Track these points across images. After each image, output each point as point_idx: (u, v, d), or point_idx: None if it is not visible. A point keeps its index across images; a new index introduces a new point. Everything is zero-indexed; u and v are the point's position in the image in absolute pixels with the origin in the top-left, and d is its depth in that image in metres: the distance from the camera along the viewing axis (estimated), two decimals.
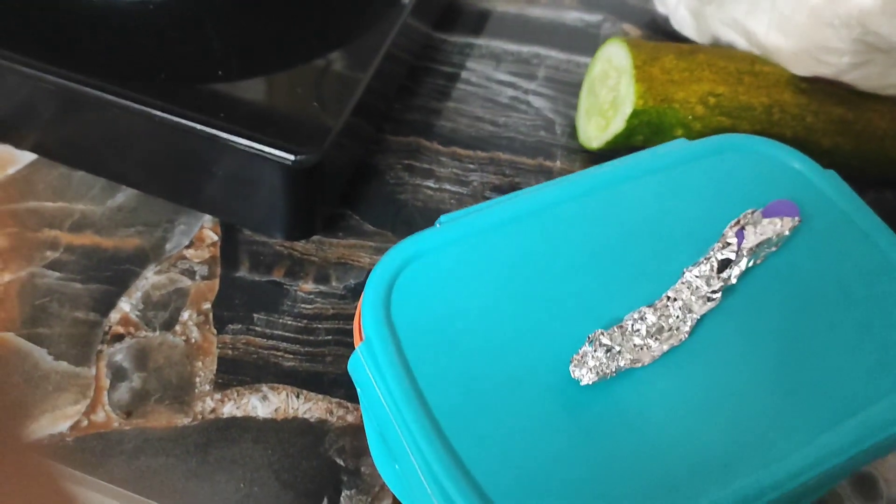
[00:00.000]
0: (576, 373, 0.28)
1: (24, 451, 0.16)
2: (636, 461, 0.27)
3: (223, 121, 0.33)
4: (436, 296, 0.31)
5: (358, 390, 0.30)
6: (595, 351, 0.29)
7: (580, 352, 0.29)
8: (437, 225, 0.33)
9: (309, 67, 0.37)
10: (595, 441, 0.27)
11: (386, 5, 0.41)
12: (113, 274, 0.38)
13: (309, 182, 0.34)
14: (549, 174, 0.45)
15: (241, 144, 0.33)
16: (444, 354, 0.29)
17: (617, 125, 0.42)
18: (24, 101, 0.37)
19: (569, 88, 0.49)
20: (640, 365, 0.29)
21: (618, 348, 0.29)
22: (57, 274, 0.37)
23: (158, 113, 0.33)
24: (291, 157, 0.32)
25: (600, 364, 0.28)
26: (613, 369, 0.29)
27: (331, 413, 0.35)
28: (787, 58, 0.41)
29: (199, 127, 0.33)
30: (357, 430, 0.34)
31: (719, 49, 0.44)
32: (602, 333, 0.29)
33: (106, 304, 0.37)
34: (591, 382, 0.28)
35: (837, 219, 0.36)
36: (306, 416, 0.34)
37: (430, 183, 0.43)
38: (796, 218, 0.35)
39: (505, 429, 0.27)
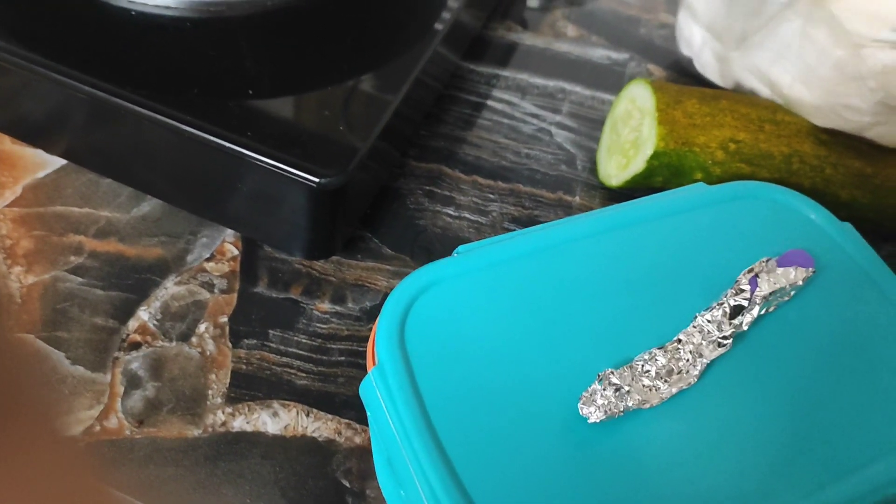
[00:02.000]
0: (584, 410, 0.29)
1: (62, 445, 0.16)
2: (638, 501, 0.27)
3: (250, 139, 0.34)
4: (450, 325, 0.31)
5: (368, 414, 0.31)
6: (604, 389, 0.29)
7: (589, 389, 0.29)
8: (455, 254, 0.34)
9: (338, 90, 0.37)
10: (600, 479, 0.28)
11: (418, 33, 0.42)
12: (134, 282, 0.38)
13: (332, 204, 0.35)
14: (568, 208, 0.45)
15: (266, 163, 0.33)
16: (455, 384, 0.29)
17: (637, 165, 0.43)
18: (57, 108, 0.38)
19: (592, 124, 0.50)
20: (648, 406, 0.29)
21: (627, 388, 0.29)
22: (79, 279, 0.38)
23: (187, 128, 0.34)
24: (316, 179, 0.33)
25: (608, 403, 0.29)
26: (621, 409, 0.29)
27: (339, 434, 0.35)
28: (808, 110, 0.41)
29: (226, 144, 0.34)
30: (364, 453, 0.35)
31: (742, 96, 0.45)
32: (612, 372, 0.30)
33: (125, 312, 0.37)
34: (598, 420, 0.29)
35: (852, 271, 0.37)
36: (315, 434, 0.35)
37: (450, 210, 0.44)
38: (810, 269, 0.35)
39: (511, 461, 0.28)
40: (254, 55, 0.38)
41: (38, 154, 0.42)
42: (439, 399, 0.29)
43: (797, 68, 0.40)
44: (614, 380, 0.29)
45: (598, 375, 0.30)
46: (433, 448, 0.28)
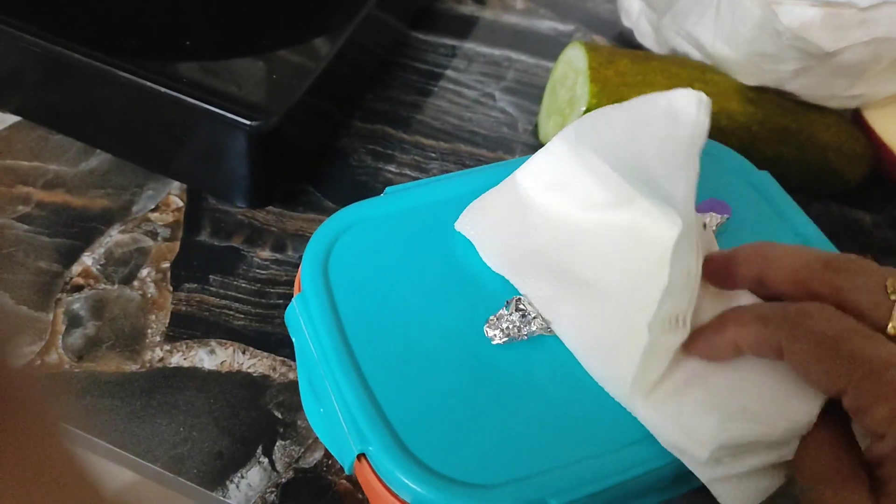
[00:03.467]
0: (488, 332, 0.30)
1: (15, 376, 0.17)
2: (530, 417, 0.29)
3: (187, 86, 0.35)
4: (373, 258, 0.33)
5: (293, 340, 0.32)
6: (510, 314, 0.31)
7: (497, 314, 0.31)
8: (384, 195, 0.35)
9: (275, 44, 0.39)
10: (496, 395, 0.29)
11: None
12: (79, 230, 0.40)
13: (266, 148, 0.36)
14: None
15: (203, 108, 0.35)
16: (374, 310, 0.31)
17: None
18: (8, 64, 0.40)
19: (534, 91, 0.51)
20: (549, 332, 0.31)
21: (533, 315, 0.31)
22: (25, 226, 0.39)
23: (129, 76, 0.35)
24: (248, 122, 0.34)
25: (513, 326, 0.30)
26: (525, 333, 0.30)
27: (274, 370, 0.36)
28: (732, 67, 0.43)
29: (165, 90, 0.35)
30: (297, 388, 0.36)
31: (673, 57, 0.46)
32: (519, 299, 0.31)
33: (69, 257, 0.39)
34: (501, 342, 0.30)
35: (768, 217, 0.38)
36: (250, 370, 0.36)
37: (392, 167, 0.45)
38: (725, 215, 0.37)
39: (421, 378, 0.29)
40: (195, 10, 0.40)
41: None
42: (358, 323, 0.30)
43: (719, 27, 0.42)
44: (521, 305, 0.31)
45: (507, 301, 0.31)
46: (349, 366, 0.29)
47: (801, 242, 0.37)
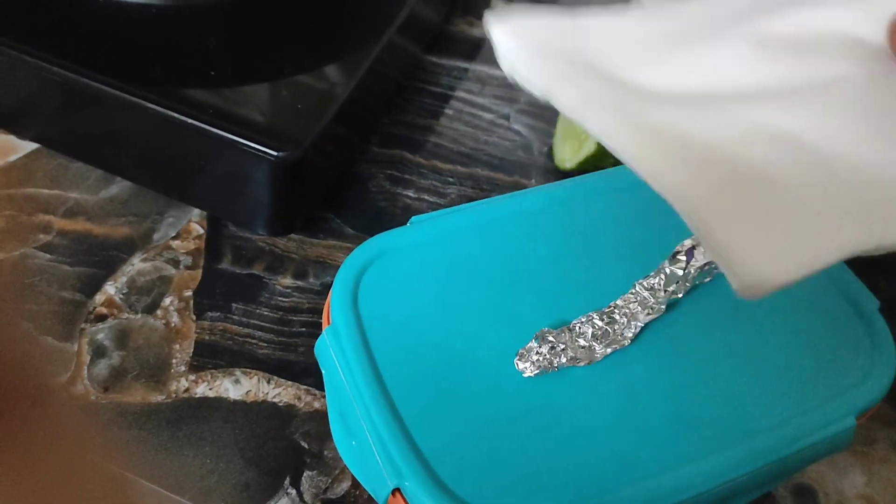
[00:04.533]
0: (519, 365, 0.30)
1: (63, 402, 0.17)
2: (563, 449, 0.29)
3: (212, 116, 0.35)
4: (401, 288, 0.33)
5: (323, 372, 0.32)
6: (540, 347, 0.31)
7: (526, 346, 0.31)
8: (410, 224, 0.36)
9: (298, 74, 0.39)
10: (530, 427, 0.29)
11: (374, 23, 0.43)
12: (101, 259, 0.40)
13: (290, 178, 0.37)
14: None
15: (228, 139, 0.35)
16: (405, 342, 0.31)
17: (589, 147, 0.45)
18: (28, 92, 0.40)
19: (548, 113, 0.51)
20: (580, 364, 0.31)
21: (562, 346, 0.31)
22: (48, 256, 0.39)
23: (153, 106, 0.36)
24: (274, 153, 0.35)
25: (542, 359, 0.30)
26: (555, 365, 0.31)
27: (299, 399, 0.36)
28: None
29: (190, 121, 0.35)
30: (323, 417, 0.36)
31: None
32: (548, 332, 0.31)
33: (92, 287, 0.39)
34: (532, 375, 0.30)
35: None
36: (275, 400, 0.36)
37: (410, 193, 0.45)
38: None
39: (454, 411, 0.29)
40: (217, 40, 0.40)
41: (8, 139, 0.43)
42: (389, 355, 0.30)
43: None
44: (550, 338, 0.31)
45: (536, 334, 0.31)
46: (381, 399, 0.29)
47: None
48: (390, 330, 0.31)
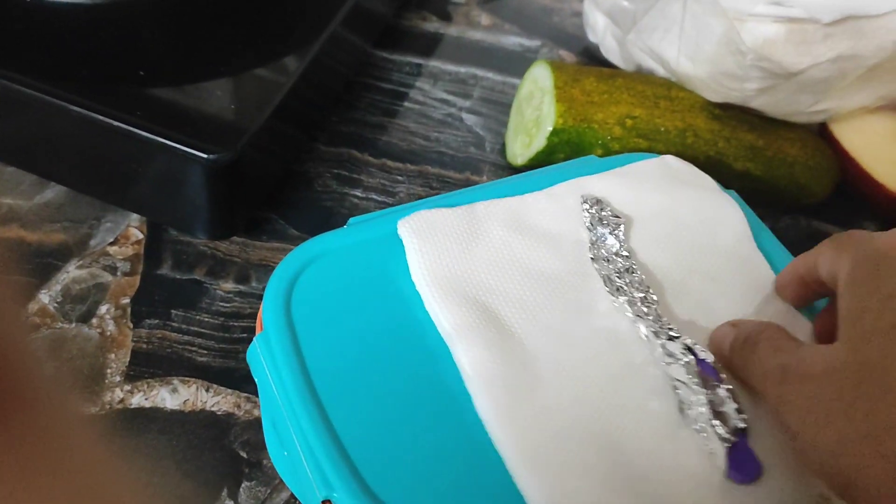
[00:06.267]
0: None
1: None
2: (496, 460, 0.28)
3: (142, 119, 0.34)
4: (336, 293, 0.32)
5: (256, 380, 0.31)
6: None
7: None
8: (347, 226, 0.35)
9: (234, 72, 0.38)
10: (463, 439, 0.28)
11: (315, 18, 0.42)
12: (34, 267, 0.38)
13: (226, 181, 0.36)
14: None
15: (159, 142, 0.34)
16: (338, 349, 0.30)
17: (539, 143, 0.44)
18: None
19: (501, 108, 0.51)
20: None
21: None
22: None
23: (81, 110, 0.34)
24: (205, 156, 0.34)
25: None
26: None
27: (238, 407, 0.36)
28: (696, 84, 0.43)
29: (119, 124, 0.34)
30: (262, 426, 0.35)
31: (638, 74, 0.46)
32: None
33: (25, 296, 0.37)
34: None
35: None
36: (214, 409, 0.35)
37: (358, 192, 0.44)
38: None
39: (387, 421, 0.28)
40: (149, 39, 0.39)
41: None
42: (321, 363, 0.29)
43: (682, 44, 0.42)
44: None
45: None
46: (312, 408, 0.28)
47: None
48: (324, 337, 0.30)
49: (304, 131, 0.45)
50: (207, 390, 0.36)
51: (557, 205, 0.36)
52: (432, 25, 0.56)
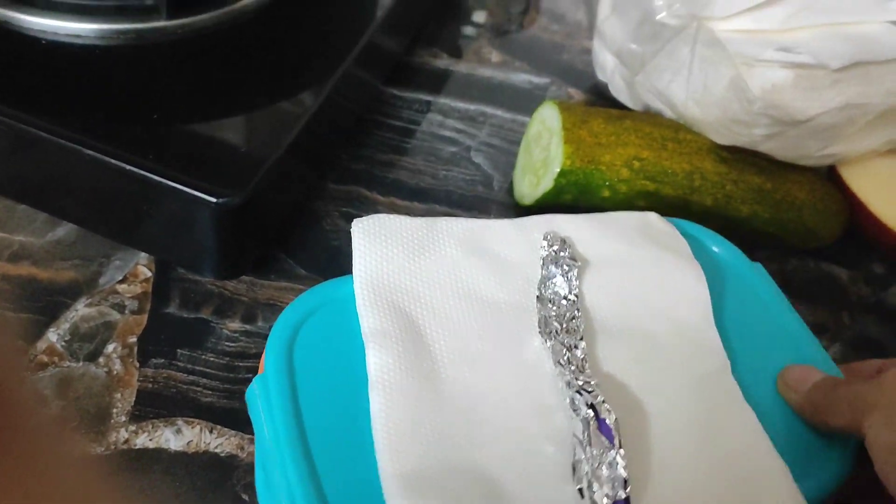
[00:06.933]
0: None
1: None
2: None
3: (152, 161, 0.35)
4: (338, 343, 0.32)
5: (251, 420, 0.31)
6: None
7: None
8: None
9: (244, 114, 0.38)
10: None
11: (328, 57, 0.43)
12: (44, 304, 0.39)
13: (235, 223, 0.36)
14: None
15: (167, 185, 0.34)
16: (334, 400, 0.30)
17: (546, 183, 0.44)
18: None
19: (510, 146, 0.51)
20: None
21: None
22: None
23: (92, 152, 0.35)
24: (214, 199, 0.34)
25: None
26: None
27: (241, 449, 0.36)
28: (704, 127, 0.43)
29: (128, 167, 0.35)
30: None
31: (647, 115, 0.46)
32: None
33: (34, 334, 0.38)
34: None
35: (761, 315, 0.36)
36: (217, 450, 0.35)
37: None
38: None
39: (375, 479, 0.28)
40: (162, 80, 0.39)
41: None
42: (316, 413, 0.29)
43: (690, 88, 0.42)
44: None
45: None
46: (301, 457, 0.28)
47: (787, 338, 0.36)
48: (322, 387, 0.30)
49: (315, 169, 0.45)
50: (211, 431, 0.36)
51: (521, 236, 0.36)
52: (443, 62, 0.56)
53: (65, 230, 0.41)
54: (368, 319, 0.32)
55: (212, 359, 0.38)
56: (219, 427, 0.36)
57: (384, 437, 0.28)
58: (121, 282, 0.40)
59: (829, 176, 0.46)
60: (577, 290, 0.34)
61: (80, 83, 0.38)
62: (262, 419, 0.29)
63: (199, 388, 0.37)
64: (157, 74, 0.39)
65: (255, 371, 0.38)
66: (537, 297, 0.34)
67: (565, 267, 0.34)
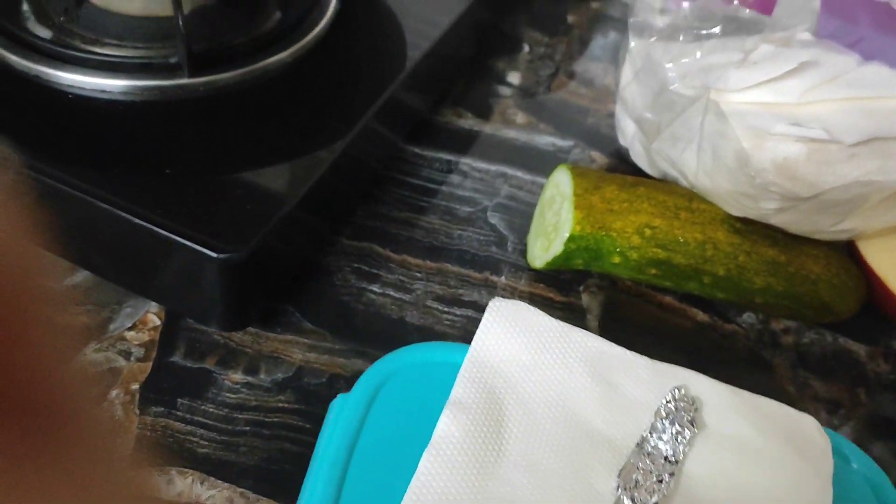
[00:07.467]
0: None
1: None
2: None
3: (160, 215, 0.36)
4: (416, 406, 0.33)
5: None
6: None
7: None
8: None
9: (257, 168, 0.39)
10: None
11: (348, 111, 0.44)
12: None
13: (238, 278, 0.37)
14: (493, 289, 0.46)
15: (172, 239, 0.35)
16: (382, 460, 0.32)
17: (556, 248, 0.44)
18: None
19: (527, 208, 0.51)
20: None
21: None
22: None
23: (103, 204, 0.36)
24: (214, 255, 0.35)
25: None
26: None
27: (232, 502, 0.36)
28: (716, 198, 0.43)
29: (136, 220, 0.36)
30: None
31: (661, 183, 0.46)
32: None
33: None
34: None
35: None
36: (207, 502, 0.36)
37: (375, 287, 0.45)
38: None
39: None
40: (179, 135, 0.40)
41: None
42: (364, 464, 0.31)
43: (700, 158, 0.42)
44: None
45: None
46: (334, 483, 0.30)
47: None
48: (380, 443, 0.32)
49: (328, 225, 0.46)
50: (202, 483, 0.36)
51: (652, 378, 0.34)
52: (467, 122, 0.57)
53: (82, 276, 0.43)
54: (459, 389, 0.32)
55: (211, 409, 0.39)
56: (211, 479, 0.36)
57: (412, 500, 0.29)
58: (130, 329, 0.41)
59: (848, 250, 0.45)
60: (681, 457, 0.32)
61: (100, 136, 0.40)
62: (324, 427, 0.32)
63: (195, 439, 0.38)
64: (175, 129, 0.41)
65: (252, 423, 0.38)
66: (637, 443, 0.32)
67: (680, 428, 0.32)
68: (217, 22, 0.45)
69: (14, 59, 0.41)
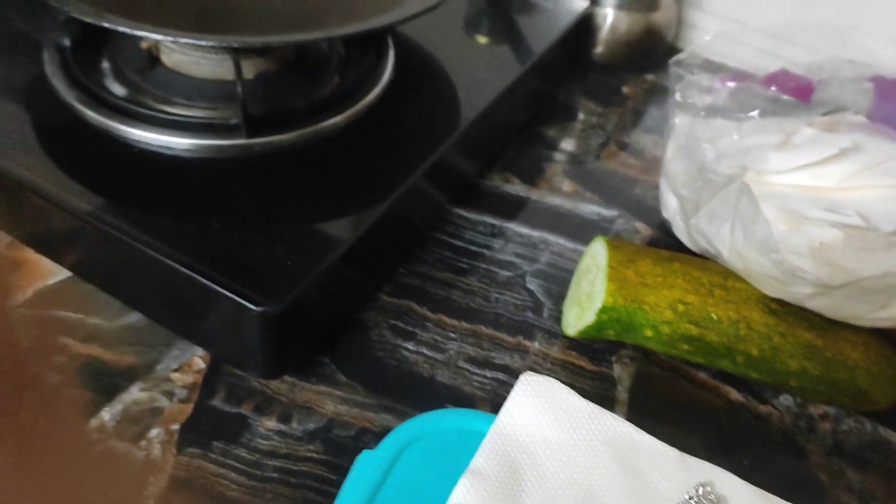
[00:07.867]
0: None
1: None
2: None
3: (205, 266, 0.38)
4: (436, 472, 0.34)
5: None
6: None
7: None
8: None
9: (302, 223, 0.42)
10: None
11: (396, 171, 0.46)
12: (104, 385, 0.42)
13: (276, 330, 0.38)
14: (525, 353, 0.47)
15: (216, 290, 0.37)
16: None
17: (589, 317, 0.45)
18: (65, 231, 0.44)
19: (566, 275, 0.52)
20: None
21: None
22: (57, 377, 0.42)
23: (153, 252, 0.39)
24: (252, 307, 0.37)
25: None
26: None
27: None
28: (751, 278, 0.43)
29: (182, 269, 0.38)
30: None
31: (696, 259, 0.46)
32: None
33: (90, 411, 0.41)
34: None
35: None
36: None
37: (410, 345, 0.46)
38: None
39: None
40: (231, 192, 0.43)
41: (50, 264, 0.47)
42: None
43: (734, 238, 0.42)
44: None
45: None
46: None
47: None
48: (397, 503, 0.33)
49: (368, 281, 0.48)
50: None
51: (678, 471, 0.35)
52: (514, 187, 0.58)
53: (135, 318, 0.45)
54: (479, 458, 0.33)
55: (244, 454, 0.40)
56: None
57: None
58: (175, 370, 0.43)
59: (889, 337, 0.45)
60: None
61: (159, 189, 0.42)
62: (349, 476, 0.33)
63: (226, 482, 0.39)
64: (229, 185, 0.43)
65: (280, 470, 0.40)
66: None
67: None
68: (279, 86, 0.48)
69: (90, 114, 0.44)
